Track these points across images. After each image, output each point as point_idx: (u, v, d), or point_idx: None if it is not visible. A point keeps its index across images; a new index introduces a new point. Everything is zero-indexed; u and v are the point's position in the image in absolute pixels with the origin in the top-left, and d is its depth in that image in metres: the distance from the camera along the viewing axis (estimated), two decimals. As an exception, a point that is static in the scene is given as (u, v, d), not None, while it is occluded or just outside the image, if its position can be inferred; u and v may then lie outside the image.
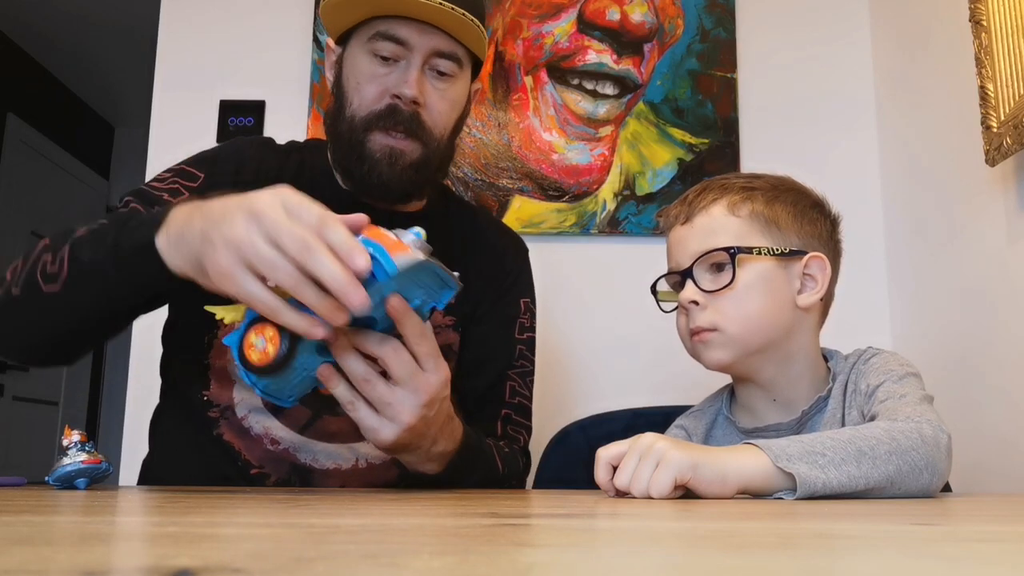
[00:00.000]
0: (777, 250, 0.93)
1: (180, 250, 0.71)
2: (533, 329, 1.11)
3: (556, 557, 0.31)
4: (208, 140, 1.74)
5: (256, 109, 1.78)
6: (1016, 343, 1.27)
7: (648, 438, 0.73)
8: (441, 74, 0.98)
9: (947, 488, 1.16)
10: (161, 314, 0.99)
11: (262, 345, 0.65)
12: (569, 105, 1.77)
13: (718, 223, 0.94)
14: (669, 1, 1.80)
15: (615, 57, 1.78)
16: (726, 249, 0.91)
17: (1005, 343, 1.30)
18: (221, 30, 1.82)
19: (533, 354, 1.10)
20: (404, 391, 0.71)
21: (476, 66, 1.05)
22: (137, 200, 0.94)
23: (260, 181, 0.98)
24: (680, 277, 0.96)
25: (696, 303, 0.93)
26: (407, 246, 0.64)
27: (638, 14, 1.79)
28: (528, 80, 1.78)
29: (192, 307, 0.90)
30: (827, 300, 0.98)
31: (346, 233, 0.63)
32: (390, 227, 0.86)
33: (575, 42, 1.79)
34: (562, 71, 1.78)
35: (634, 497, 0.70)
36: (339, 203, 1.01)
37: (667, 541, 0.39)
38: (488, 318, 1.07)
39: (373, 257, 0.63)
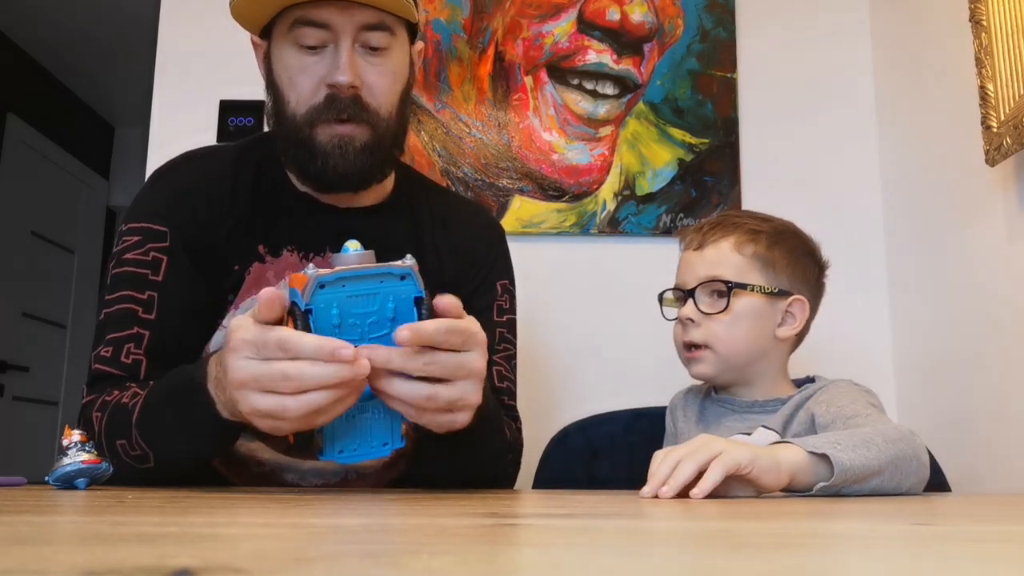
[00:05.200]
0: (767, 289, 1.09)
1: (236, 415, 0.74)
2: (513, 311, 1.08)
3: (556, 557, 0.31)
4: (208, 140, 1.74)
5: (256, 109, 1.77)
6: (1016, 343, 1.27)
7: (705, 438, 0.78)
8: (374, 49, 0.92)
9: (947, 488, 1.17)
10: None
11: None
12: (569, 105, 1.77)
13: (724, 257, 1.09)
14: (669, 1, 1.80)
15: (615, 57, 1.78)
16: (725, 282, 1.08)
17: (1005, 343, 1.30)
18: (221, 30, 1.82)
19: (514, 336, 1.07)
20: (463, 382, 0.70)
21: (412, 30, 0.99)
22: (129, 287, 0.92)
23: (215, 214, 0.96)
24: (684, 294, 1.11)
25: (692, 320, 1.09)
26: (307, 277, 0.65)
27: (638, 14, 1.79)
28: (528, 80, 1.78)
29: (182, 339, 0.92)
30: (801, 334, 1.14)
31: (308, 341, 0.65)
32: (351, 227, 0.88)
33: (575, 42, 1.79)
34: (562, 71, 1.78)
35: (671, 497, 0.72)
36: (299, 207, 0.99)
37: (667, 541, 0.39)
38: (467, 309, 1.04)
39: (294, 303, 0.67)
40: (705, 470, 0.72)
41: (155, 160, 1.76)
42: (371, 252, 0.68)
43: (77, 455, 0.72)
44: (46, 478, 0.73)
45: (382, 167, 0.98)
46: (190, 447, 0.80)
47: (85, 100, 4.06)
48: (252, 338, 0.66)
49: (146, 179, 1.01)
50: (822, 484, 0.77)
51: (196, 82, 1.79)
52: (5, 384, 3.32)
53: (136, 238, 0.95)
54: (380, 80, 0.93)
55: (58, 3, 3.22)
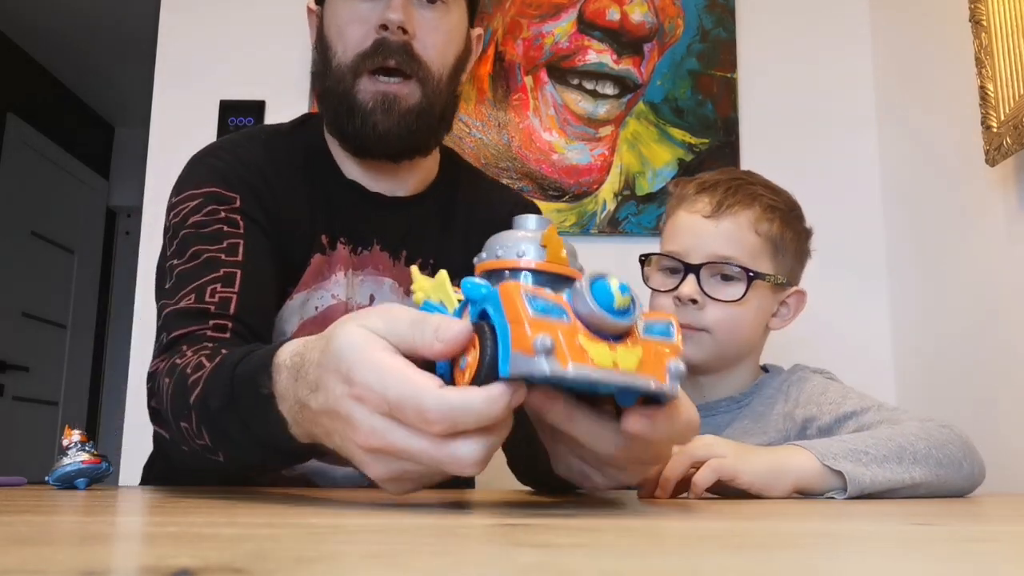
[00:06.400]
0: (778, 280, 0.99)
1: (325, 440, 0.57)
2: None
3: (556, 557, 0.31)
4: (208, 140, 1.73)
5: (256, 109, 1.78)
6: (1017, 343, 1.27)
7: (709, 439, 0.74)
8: (431, 2, 0.86)
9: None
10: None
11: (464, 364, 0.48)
12: (569, 105, 1.77)
13: (741, 235, 0.97)
14: (669, 1, 1.80)
15: (615, 57, 1.78)
16: (745, 269, 0.96)
17: (1006, 343, 1.30)
18: (221, 30, 1.82)
19: None
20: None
21: (472, 4, 0.94)
22: (204, 243, 0.81)
23: (281, 190, 0.89)
24: (682, 267, 0.97)
25: (695, 302, 0.96)
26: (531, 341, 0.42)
27: (638, 14, 1.79)
28: (528, 80, 1.78)
29: (267, 302, 0.84)
30: None
31: (475, 401, 0.44)
32: (392, 217, 0.81)
33: (575, 42, 1.79)
34: (562, 71, 1.78)
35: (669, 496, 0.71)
36: (349, 196, 0.92)
37: (667, 541, 0.39)
38: None
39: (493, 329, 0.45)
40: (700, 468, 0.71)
41: (155, 160, 1.76)
42: (549, 220, 0.53)
43: (77, 455, 0.72)
44: (46, 478, 0.73)
45: (427, 138, 0.90)
46: (264, 459, 0.66)
47: (85, 100, 4.06)
48: (388, 393, 0.46)
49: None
50: (834, 494, 0.73)
51: (196, 82, 1.79)
52: (5, 384, 3.32)
53: (198, 201, 0.84)
54: (433, 34, 0.86)
55: (58, 3, 3.22)
